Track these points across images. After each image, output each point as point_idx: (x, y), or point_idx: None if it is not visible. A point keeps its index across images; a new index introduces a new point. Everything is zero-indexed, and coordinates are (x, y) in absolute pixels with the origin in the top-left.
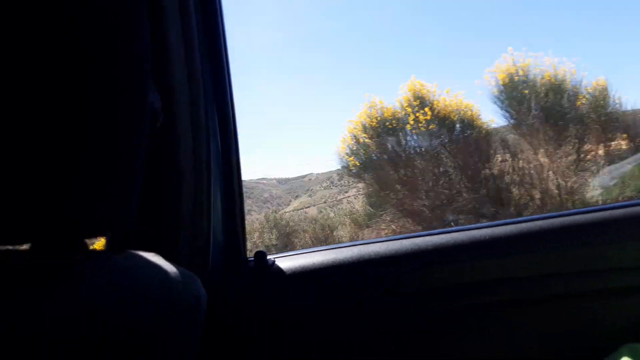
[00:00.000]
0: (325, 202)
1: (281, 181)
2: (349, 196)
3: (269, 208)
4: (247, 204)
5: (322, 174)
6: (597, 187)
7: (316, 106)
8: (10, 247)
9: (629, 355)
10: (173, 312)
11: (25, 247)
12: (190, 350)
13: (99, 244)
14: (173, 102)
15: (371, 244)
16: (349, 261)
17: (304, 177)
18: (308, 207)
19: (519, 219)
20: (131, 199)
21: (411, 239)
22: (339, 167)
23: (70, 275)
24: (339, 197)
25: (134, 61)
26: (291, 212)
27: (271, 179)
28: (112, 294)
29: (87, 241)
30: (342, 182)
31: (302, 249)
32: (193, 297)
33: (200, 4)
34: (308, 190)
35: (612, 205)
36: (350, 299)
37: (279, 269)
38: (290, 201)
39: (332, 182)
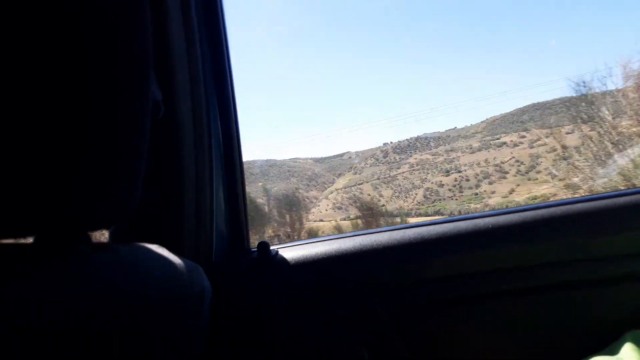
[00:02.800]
0: (378, 179)
1: (318, 160)
2: (402, 172)
3: (315, 185)
4: (292, 182)
5: (363, 152)
6: (602, 175)
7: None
8: (13, 241)
9: (632, 342)
10: (177, 303)
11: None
12: (196, 341)
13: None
14: (174, 94)
15: (374, 234)
16: (352, 251)
17: (342, 155)
18: (361, 183)
19: (522, 207)
20: (134, 191)
21: (414, 229)
22: (380, 144)
23: (75, 266)
24: (392, 174)
25: (136, 56)
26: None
27: (306, 158)
28: (117, 285)
29: (92, 234)
30: (387, 159)
31: (305, 239)
32: (197, 288)
33: None
34: (351, 168)
35: (615, 193)
36: (354, 289)
37: (283, 259)
38: (333, 179)
39: (377, 160)
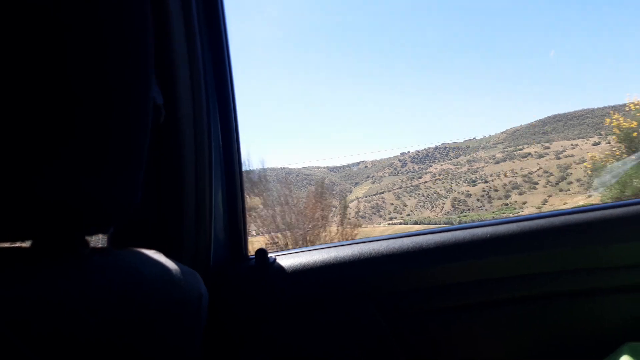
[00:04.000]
0: (400, 188)
1: (332, 169)
2: (425, 182)
3: (333, 194)
4: (310, 190)
5: (379, 161)
6: (598, 185)
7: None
8: (11, 245)
9: (629, 354)
10: (174, 309)
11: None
12: (193, 347)
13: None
14: (175, 99)
15: (372, 242)
16: (349, 259)
17: (357, 164)
18: (382, 192)
19: (521, 217)
20: (132, 194)
21: (412, 237)
22: (397, 154)
23: (72, 269)
24: (413, 183)
25: (137, 60)
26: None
27: (319, 167)
28: (114, 289)
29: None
30: (405, 168)
31: (303, 247)
32: (194, 293)
33: (202, 1)
34: (368, 177)
35: (612, 204)
36: (351, 297)
37: (280, 267)
38: (351, 188)
39: (395, 169)
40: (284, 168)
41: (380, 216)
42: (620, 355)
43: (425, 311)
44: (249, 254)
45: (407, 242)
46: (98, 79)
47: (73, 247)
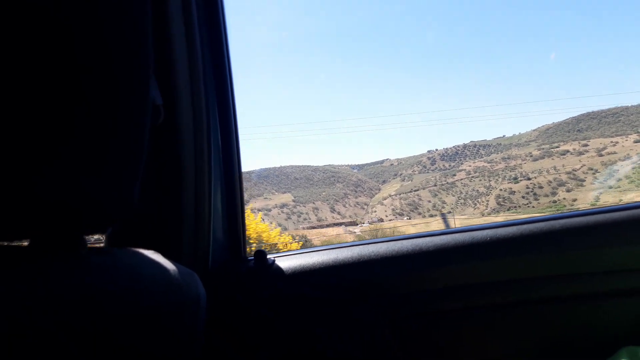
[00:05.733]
0: (435, 186)
1: (355, 167)
2: (461, 179)
3: (362, 192)
4: (338, 187)
5: (405, 159)
6: (598, 186)
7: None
8: (9, 244)
9: (628, 358)
10: (173, 310)
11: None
12: (191, 348)
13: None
14: (175, 101)
15: (372, 245)
16: (349, 261)
17: (382, 162)
18: (417, 190)
19: (520, 220)
20: (131, 193)
21: (412, 240)
22: (424, 152)
23: (70, 269)
24: (449, 181)
25: (136, 59)
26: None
27: (342, 165)
28: (112, 289)
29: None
30: (435, 166)
31: (302, 249)
32: (193, 295)
33: (203, 2)
34: (396, 175)
35: (612, 207)
36: (350, 299)
37: (279, 269)
38: (379, 186)
39: (424, 167)
40: (308, 166)
41: (419, 213)
42: (619, 359)
43: (425, 314)
44: (248, 255)
45: (407, 245)
46: (97, 79)
47: (71, 246)
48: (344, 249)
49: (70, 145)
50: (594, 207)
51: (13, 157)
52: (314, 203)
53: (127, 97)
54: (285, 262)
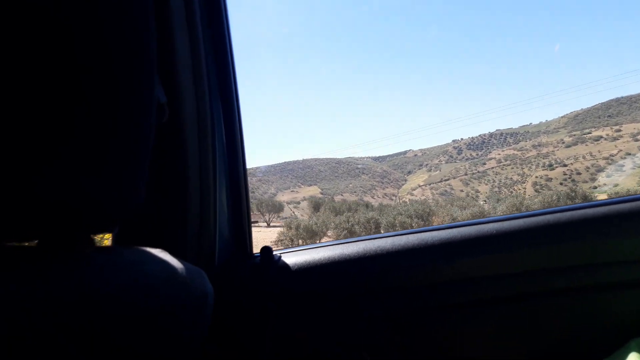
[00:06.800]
0: (466, 175)
1: (377, 158)
2: (492, 167)
3: (389, 182)
4: (364, 179)
5: (428, 149)
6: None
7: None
8: (17, 244)
9: (637, 350)
10: (180, 307)
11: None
12: (197, 345)
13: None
14: (179, 98)
15: (377, 239)
16: (355, 257)
17: (404, 153)
18: (447, 179)
19: (526, 213)
20: (137, 192)
21: (417, 234)
22: (449, 141)
23: (77, 268)
24: (479, 170)
25: (140, 59)
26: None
27: (363, 157)
28: (119, 287)
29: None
30: (462, 155)
31: (308, 244)
32: (200, 292)
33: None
34: (422, 165)
35: (618, 199)
36: (357, 294)
37: (285, 265)
38: (404, 177)
39: (451, 157)
40: (332, 159)
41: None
42: (628, 351)
43: (432, 308)
44: (254, 252)
45: (413, 239)
46: (99, 79)
47: (77, 246)
48: (349, 244)
49: (71, 145)
50: (599, 200)
51: (13, 157)
52: (342, 195)
53: (129, 97)
54: (292, 258)
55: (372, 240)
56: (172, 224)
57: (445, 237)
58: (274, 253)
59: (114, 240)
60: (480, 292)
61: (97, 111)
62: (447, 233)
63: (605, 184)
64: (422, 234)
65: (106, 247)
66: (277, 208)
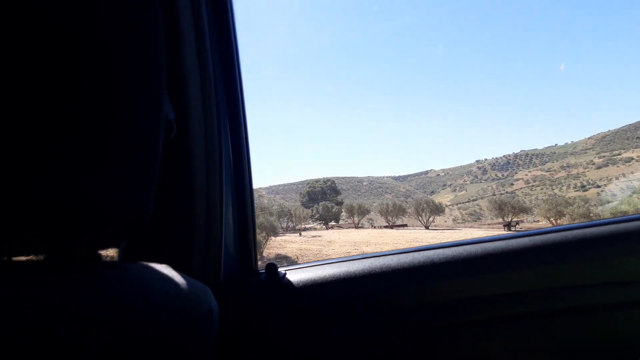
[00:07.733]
0: (494, 195)
1: (397, 178)
2: (521, 188)
3: (411, 201)
4: (388, 198)
5: (451, 169)
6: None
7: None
8: (24, 258)
9: None
10: (185, 323)
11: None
12: None
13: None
14: (186, 115)
15: (382, 257)
16: (360, 274)
17: (426, 172)
18: (475, 199)
19: (533, 231)
20: (145, 208)
21: (423, 252)
22: (472, 161)
23: (85, 283)
24: (507, 190)
25: (150, 75)
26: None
27: (381, 177)
28: (125, 304)
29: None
30: (486, 175)
31: (313, 261)
32: (205, 308)
33: (214, 17)
34: (445, 185)
35: (625, 218)
36: (362, 312)
37: (290, 282)
38: (427, 197)
39: (475, 177)
40: (354, 177)
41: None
42: None
43: (437, 327)
44: (260, 269)
45: (419, 257)
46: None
47: (85, 261)
48: (354, 261)
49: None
50: (606, 219)
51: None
52: (368, 214)
53: (140, 114)
54: (296, 275)
55: (378, 257)
56: (179, 239)
57: (451, 255)
58: (279, 270)
59: (120, 255)
60: (486, 311)
61: (108, 127)
62: (453, 251)
63: None
64: (428, 251)
65: (114, 263)
66: (438, 209)
